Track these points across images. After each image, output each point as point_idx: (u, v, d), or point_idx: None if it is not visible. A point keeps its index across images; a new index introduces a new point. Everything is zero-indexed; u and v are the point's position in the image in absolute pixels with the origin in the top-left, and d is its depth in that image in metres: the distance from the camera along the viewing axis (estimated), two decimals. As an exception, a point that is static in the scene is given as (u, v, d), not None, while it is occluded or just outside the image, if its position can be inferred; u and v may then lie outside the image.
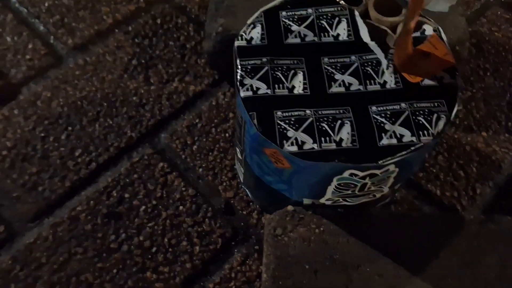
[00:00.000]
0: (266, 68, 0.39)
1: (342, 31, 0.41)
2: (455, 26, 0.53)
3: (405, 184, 0.50)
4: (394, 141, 0.36)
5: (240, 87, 0.38)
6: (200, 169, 0.51)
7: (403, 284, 0.39)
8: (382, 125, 0.37)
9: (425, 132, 0.36)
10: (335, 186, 0.39)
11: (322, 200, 0.42)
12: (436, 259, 0.41)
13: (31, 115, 0.54)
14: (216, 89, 0.57)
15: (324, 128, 0.36)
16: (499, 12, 0.64)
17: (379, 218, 0.44)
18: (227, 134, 0.53)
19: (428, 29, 0.41)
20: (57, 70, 0.57)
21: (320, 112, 0.37)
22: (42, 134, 0.53)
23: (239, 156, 0.46)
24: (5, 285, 0.44)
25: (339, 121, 0.37)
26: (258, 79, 0.38)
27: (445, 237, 0.43)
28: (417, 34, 0.40)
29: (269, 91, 0.38)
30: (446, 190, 0.51)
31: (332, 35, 0.40)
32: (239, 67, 0.38)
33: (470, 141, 0.54)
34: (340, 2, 0.42)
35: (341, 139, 0.36)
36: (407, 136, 0.36)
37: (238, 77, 0.38)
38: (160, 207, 0.49)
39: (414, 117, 0.37)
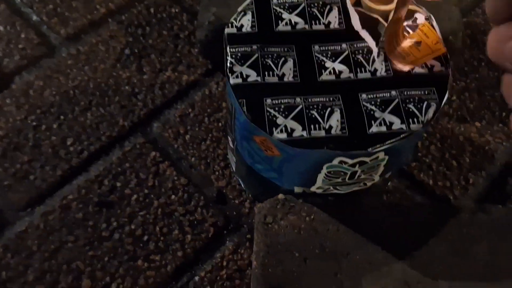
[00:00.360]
0: (256, 55, 0.38)
1: (333, 19, 0.40)
2: (449, 17, 0.53)
3: (398, 174, 0.50)
4: (383, 128, 0.36)
5: (230, 74, 0.37)
6: (193, 159, 0.51)
7: (392, 271, 0.39)
8: (371, 112, 0.36)
9: (415, 119, 0.36)
10: (325, 174, 0.39)
11: (313, 189, 0.42)
12: (426, 247, 0.41)
13: (23, 104, 0.54)
14: (209, 79, 0.56)
15: (313, 116, 0.36)
16: (494, 3, 0.64)
17: (370, 207, 0.44)
18: (220, 124, 0.53)
19: (420, 18, 0.40)
20: (49, 59, 0.57)
21: (310, 100, 0.37)
22: (34, 123, 0.53)
23: (231, 145, 0.46)
24: (-4, 273, 0.44)
25: (329, 109, 0.37)
26: (248, 67, 0.38)
27: (436, 226, 0.43)
28: (409, 22, 0.40)
29: (259, 79, 0.37)
30: (439, 180, 0.51)
31: (323, 23, 0.40)
32: (229, 54, 0.38)
33: (463, 131, 0.54)
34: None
35: (330, 127, 0.36)
36: (397, 124, 0.36)
37: (228, 64, 0.38)
38: (152, 196, 0.49)
39: (404, 105, 0.37)
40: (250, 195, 0.49)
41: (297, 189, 0.43)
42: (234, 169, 0.49)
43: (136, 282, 0.44)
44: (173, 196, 0.49)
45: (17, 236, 0.46)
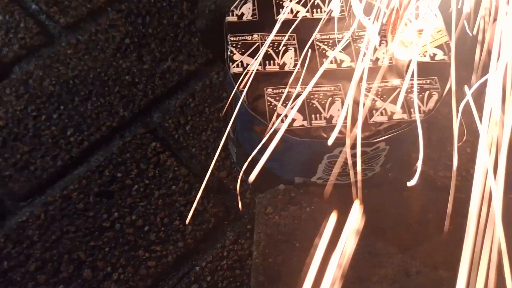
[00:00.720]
0: (257, 44, 0.38)
1: (335, 7, 0.40)
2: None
3: (398, 164, 0.50)
4: (385, 118, 0.36)
5: (230, 64, 0.37)
6: (193, 149, 0.51)
7: (392, 261, 0.39)
8: (373, 102, 0.36)
9: (417, 109, 0.36)
10: (326, 164, 0.38)
11: (314, 179, 0.42)
12: (426, 237, 0.41)
13: (23, 94, 0.54)
14: (210, 69, 0.56)
15: (315, 105, 0.36)
16: (497, -8, 0.63)
17: (370, 197, 0.44)
18: (220, 114, 0.53)
19: (422, 6, 0.40)
20: (49, 49, 0.57)
21: (311, 89, 0.37)
22: (34, 113, 0.52)
23: (232, 135, 0.46)
24: (-3, 262, 0.44)
25: (330, 98, 0.36)
26: (248, 55, 0.38)
27: (436, 215, 0.43)
28: (412, 10, 0.40)
29: (259, 68, 0.37)
30: (440, 170, 0.50)
31: (325, 11, 0.40)
32: (230, 43, 0.38)
33: (464, 121, 0.53)
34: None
35: (331, 116, 0.36)
36: (398, 114, 0.36)
37: (229, 53, 0.38)
38: (152, 186, 0.49)
39: (405, 94, 0.36)
40: (250, 186, 0.49)
41: (297, 180, 0.42)
42: (234, 159, 0.49)
43: (137, 272, 0.45)
44: (173, 187, 0.49)
45: (18, 226, 0.46)
